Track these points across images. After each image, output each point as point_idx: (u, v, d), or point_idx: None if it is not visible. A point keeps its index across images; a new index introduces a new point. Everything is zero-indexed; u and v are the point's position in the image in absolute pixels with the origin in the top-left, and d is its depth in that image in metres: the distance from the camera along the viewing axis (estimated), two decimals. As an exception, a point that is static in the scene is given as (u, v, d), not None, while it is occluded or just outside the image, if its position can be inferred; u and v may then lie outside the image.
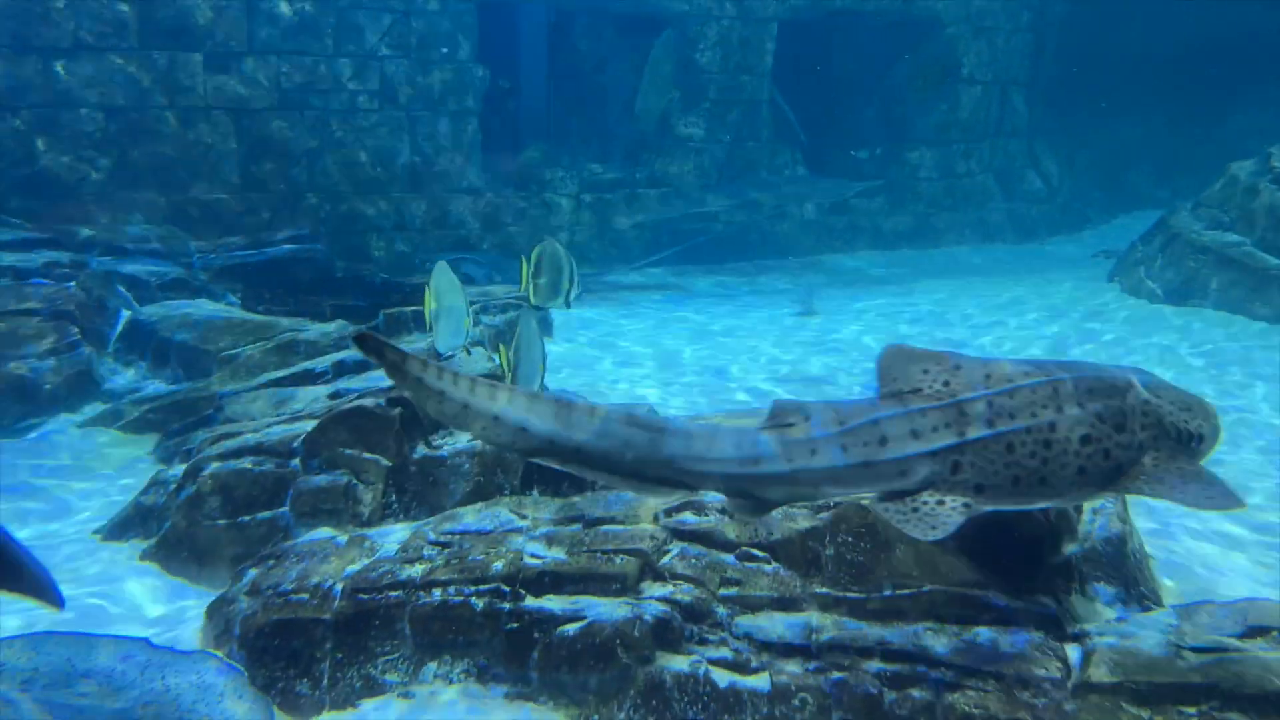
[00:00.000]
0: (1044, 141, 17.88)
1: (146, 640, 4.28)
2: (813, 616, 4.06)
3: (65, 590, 5.12)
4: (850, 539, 4.17)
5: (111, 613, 4.90)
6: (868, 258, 15.25)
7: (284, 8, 11.63)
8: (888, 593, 4.05)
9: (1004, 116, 16.88)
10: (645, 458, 3.30)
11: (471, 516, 4.90)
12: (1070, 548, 4.09)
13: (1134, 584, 4.13)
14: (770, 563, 4.28)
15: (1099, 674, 3.53)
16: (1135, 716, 3.39)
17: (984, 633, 3.82)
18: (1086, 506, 4.36)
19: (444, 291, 6.53)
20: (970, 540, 4.03)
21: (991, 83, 16.44)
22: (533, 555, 4.40)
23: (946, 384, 3.44)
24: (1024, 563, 3.99)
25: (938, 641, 3.80)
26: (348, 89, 12.09)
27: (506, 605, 4.19)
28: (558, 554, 4.40)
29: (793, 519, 4.34)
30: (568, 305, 7.44)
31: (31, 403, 7.78)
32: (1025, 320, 11.10)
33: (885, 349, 3.68)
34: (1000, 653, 3.68)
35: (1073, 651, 3.70)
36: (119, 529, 5.75)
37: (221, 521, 5.28)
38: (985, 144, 16.67)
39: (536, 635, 4.09)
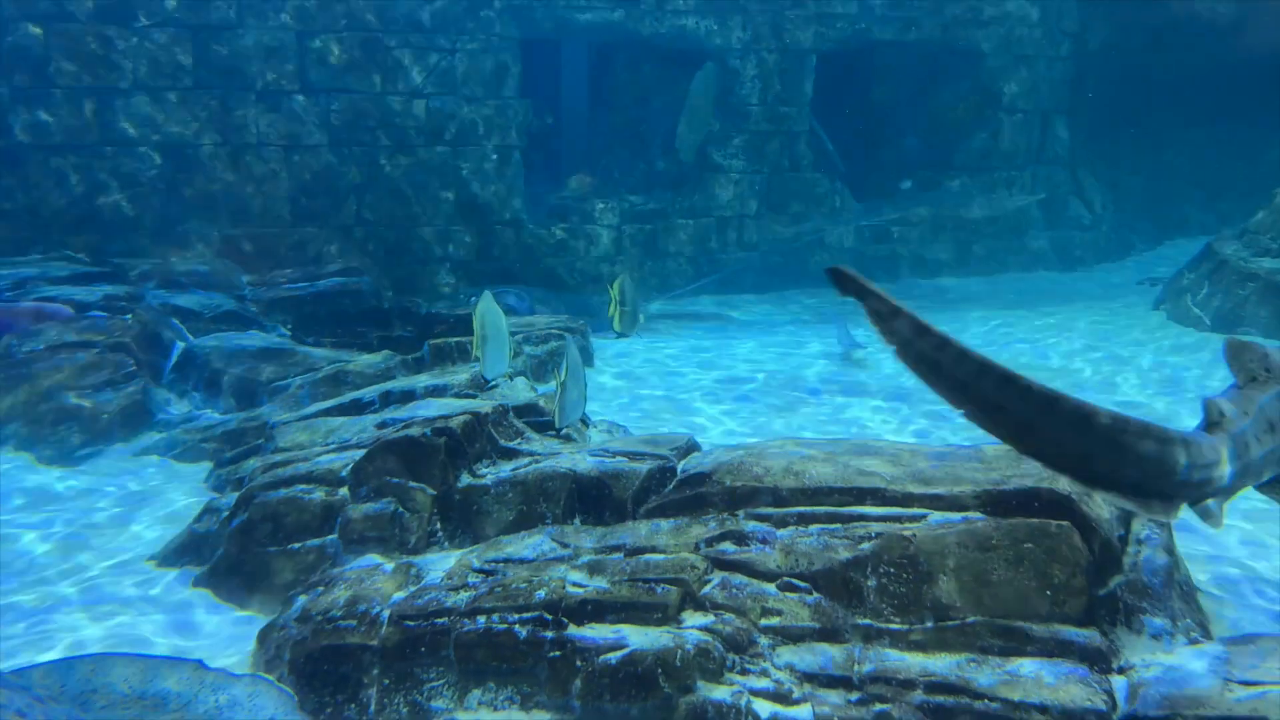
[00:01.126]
0: (1087, 169, 17.75)
1: (200, 663, 4.39)
2: (855, 647, 4.06)
3: (122, 615, 5.29)
4: (892, 570, 4.18)
5: (165, 637, 5.03)
6: (909, 286, 15.20)
7: (334, 49, 11.95)
8: (930, 624, 4.04)
9: (1046, 144, 16.80)
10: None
11: (515, 545, 4.97)
12: (1116, 579, 4.06)
13: (1181, 616, 4.09)
14: (812, 593, 4.29)
15: (1145, 707, 3.50)
16: (1183, 751, 3.36)
17: (1028, 664, 3.80)
18: (1132, 537, 4.33)
19: (489, 320, 6.71)
20: (1014, 572, 4.02)
21: (1032, 111, 16.38)
22: (575, 584, 4.45)
23: (1267, 370, 3.74)
24: (1069, 595, 3.97)
25: (981, 673, 3.78)
26: (395, 125, 12.38)
27: (549, 633, 4.24)
28: (599, 583, 4.44)
29: (833, 549, 4.36)
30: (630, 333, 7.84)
31: (89, 432, 8.00)
32: (1072, 348, 11.00)
33: (1228, 342, 4.05)
34: (1045, 685, 3.66)
35: (1119, 684, 3.68)
36: (173, 555, 5.89)
37: (272, 549, 5.40)
38: (1027, 172, 16.59)
39: (579, 664, 4.13)
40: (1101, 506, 4.30)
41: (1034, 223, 16.71)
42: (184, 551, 5.90)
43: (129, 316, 9.03)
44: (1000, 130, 16.10)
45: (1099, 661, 3.79)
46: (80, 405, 8.05)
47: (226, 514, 5.75)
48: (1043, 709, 3.57)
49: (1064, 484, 4.21)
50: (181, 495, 6.99)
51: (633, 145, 15.28)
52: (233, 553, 5.48)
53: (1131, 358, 10.48)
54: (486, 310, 6.59)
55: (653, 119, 15.00)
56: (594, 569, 4.56)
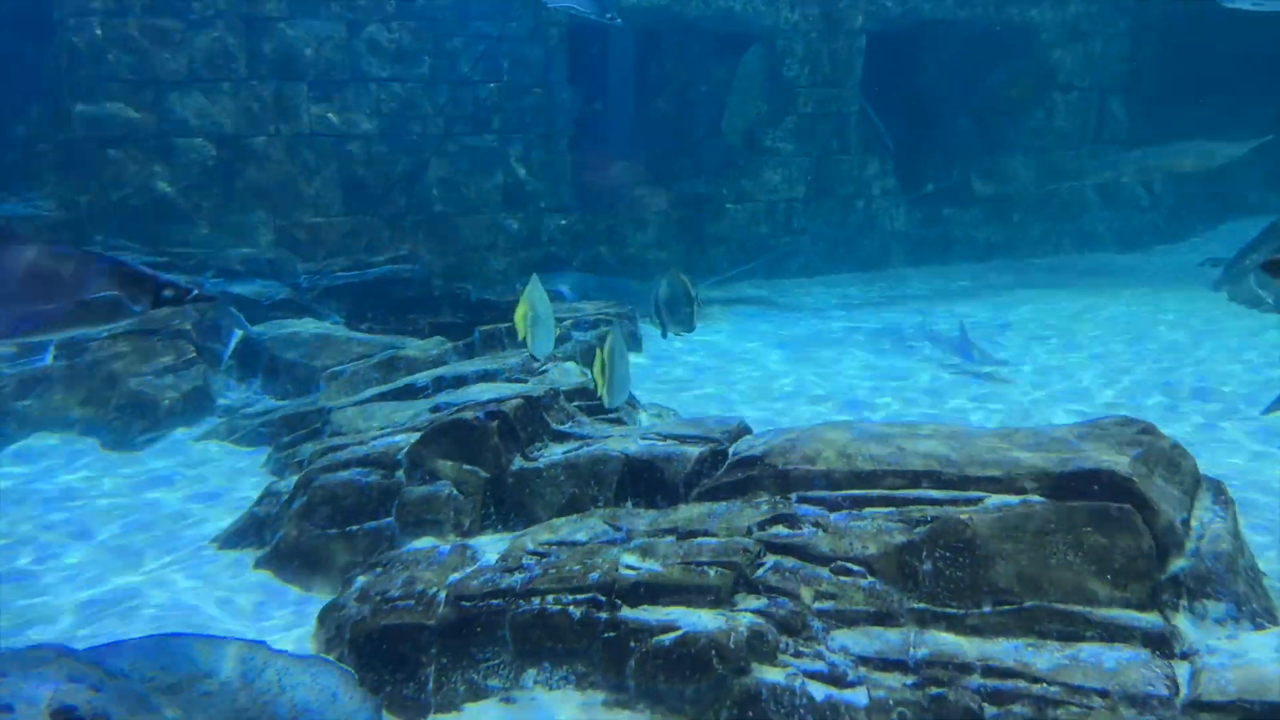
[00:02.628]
0: (1145, 148, 17.34)
1: (263, 643, 4.49)
2: (910, 631, 4.04)
3: (185, 596, 5.43)
4: (948, 554, 4.15)
5: (229, 617, 5.15)
6: (965, 270, 14.98)
7: (384, 39, 12.06)
8: (987, 609, 4.01)
9: (1102, 124, 16.44)
10: None
11: (568, 528, 5.00)
12: (1178, 564, 3.99)
13: (1245, 601, 4.00)
14: (866, 577, 4.27)
15: (1210, 692, 3.44)
16: (1249, 737, 3.29)
17: (1088, 649, 3.75)
18: (1195, 521, 4.25)
19: (536, 303, 6.77)
20: (1074, 555, 3.97)
21: (1089, 89, 16.04)
22: (628, 566, 4.47)
23: None
24: (1130, 579, 3.91)
25: (1039, 658, 3.75)
26: (444, 114, 12.47)
27: (603, 615, 4.27)
28: (652, 565, 4.46)
29: (888, 533, 4.33)
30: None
31: (151, 417, 8.20)
32: (1132, 331, 10.79)
33: None
34: (1105, 670, 3.62)
35: (1181, 670, 3.61)
36: (234, 538, 6.03)
37: (331, 531, 5.50)
38: (1084, 152, 16.26)
39: (633, 644, 4.16)
40: (1164, 489, 4.23)
41: (1090, 204, 16.39)
42: (245, 534, 6.03)
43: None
44: (1055, 110, 15.80)
45: (1161, 646, 3.73)
46: (143, 391, 8.25)
47: (286, 497, 5.86)
48: (1103, 693, 3.53)
49: (1125, 466, 4.15)
50: (242, 479, 7.14)
51: (680, 130, 15.23)
52: (292, 535, 5.59)
53: (1197, 339, 10.24)
54: (534, 293, 6.69)
55: (700, 103, 14.94)
56: (646, 551, 4.58)
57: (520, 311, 6.54)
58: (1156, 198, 17.07)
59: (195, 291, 3.73)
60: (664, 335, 7.49)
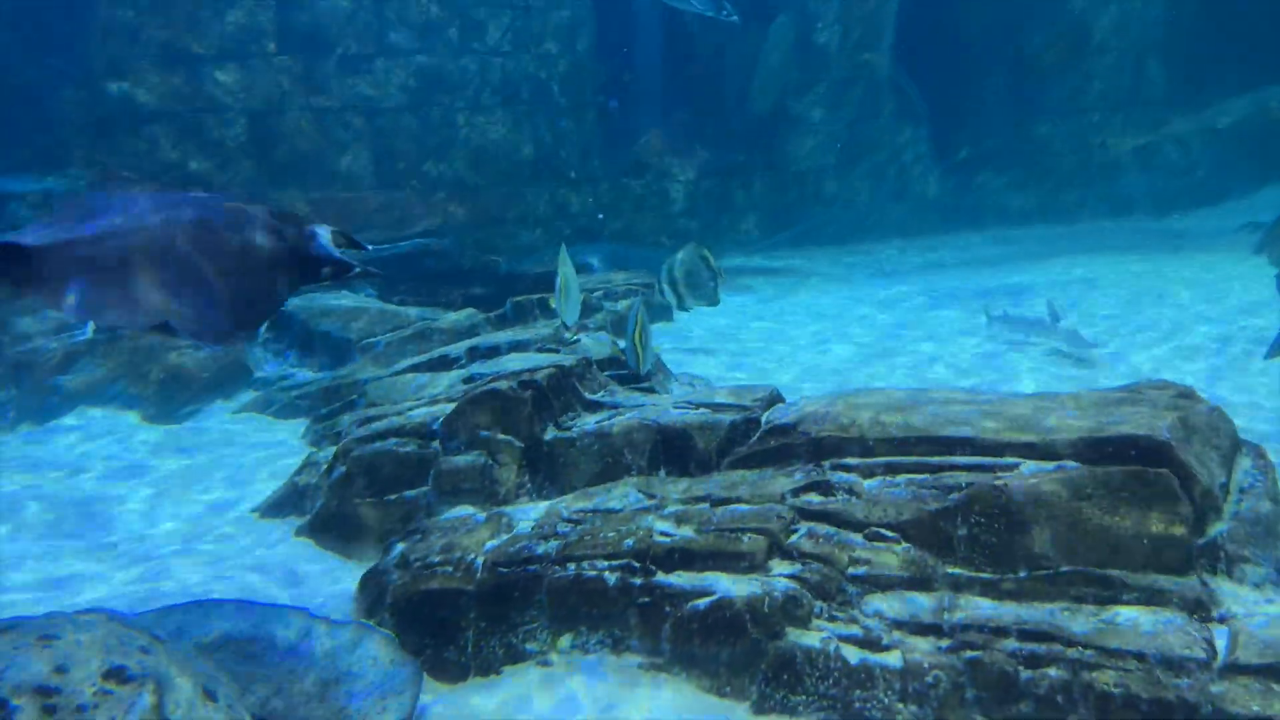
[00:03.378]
0: (1183, 110, 17.00)
1: (306, 609, 4.58)
2: (945, 596, 4.05)
3: (228, 564, 5.54)
4: (984, 520, 4.14)
5: (271, 584, 5.26)
6: (999, 237, 14.82)
7: (412, 11, 12.07)
8: (1023, 574, 4.01)
9: (1139, 85, 16.13)
10: None
11: (602, 496, 5.05)
12: (1216, 528, 3.97)
13: (1286, 566, 3.98)
14: (900, 543, 4.28)
15: (1248, 655, 3.43)
16: (1288, 699, 3.29)
17: (1124, 613, 3.75)
18: (1234, 486, 4.22)
19: (564, 272, 6.82)
20: (1110, 520, 3.96)
21: (1126, 50, 15.73)
22: (662, 533, 4.51)
23: None
24: (1167, 543, 3.89)
25: (1075, 621, 3.75)
26: (472, 86, 12.47)
27: (638, 580, 4.31)
28: (686, 532, 4.49)
29: (922, 499, 4.34)
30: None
31: (190, 390, 8.35)
32: (1166, 296, 10.64)
33: None
34: (1142, 633, 3.61)
35: (1219, 633, 3.60)
36: (275, 507, 6.14)
37: (369, 499, 5.59)
38: (1120, 115, 15.98)
39: (668, 609, 4.20)
40: (1202, 453, 4.19)
41: (1126, 168, 16.12)
42: (285, 503, 6.14)
43: (224, 278, 9.33)
44: (1091, 72, 15.51)
45: (1198, 610, 3.72)
46: (182, 364, 8.39)
47: (325, 467, 5.96)
48: (1139, 656, 3.53)
49: (1162, 430, 4.12)
50: (281, 450, 7.26)
51: (709, 99, 15.14)
52: (332, 504, 5.69)
53: (1221, 302, 10.08)
54: (565, 263, 6.76)
55: (729, 71, 14.84)
56: (680, 519, 4.61)
57: (560, 281, 6.63)
58: (1193, 161, 16.75)
59: (358, 268, 3.61)
60: (680, 308, 7.40)
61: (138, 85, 11.28)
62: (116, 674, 3.25)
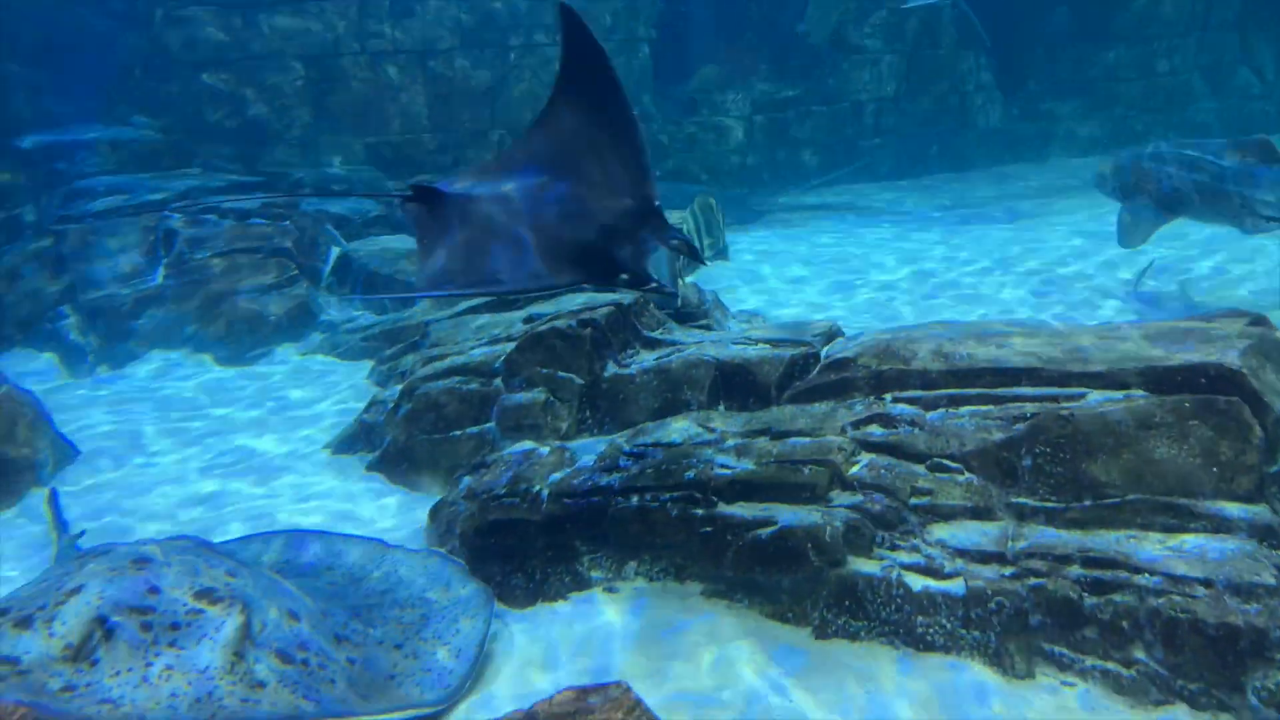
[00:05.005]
0: (1260, 33, 16.28)
1: (380, 539, 4.75)
2: (1009, 525, 4.06)
3: (303, 497, 5.74)
4: (1048, 449, 4.13)
5: (345, 516, 5.44)
6: (1065, 167, 14.43)
7: (464, -53, 11.98)
8: (1088, 502, 4.00)
9: (1212, 8, 15.46)
10: None
11: (662, 430, 5.11)
12: (1289, 456, 3.91)
13: (1361, 494, 3.91)
14: (963, 473, 4.29)
15: (1320, 582, 3.41)
16: (1360, 624, 3.26)
17: (1192, 540, 3.73)
18: (1308, 414, 4.14)
19: None
20: (1178, 449, 3.92)
21: (1200, -29, 15.09)
22: (722, 466, 4.57)
23: None
24: (1237, 471, 3.85)
25: (1142, 548, 3.74)
26: (524, 25, 12.38)
27: (700, 511, 4.39)
28: (746, 464, 4.54)
29: (986, 430, 4.33)
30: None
31: (259, 333, 8.57)
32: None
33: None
34: (1209, 560, 3.60)
35: (1290, 561, 3.57)
36: (345, 444, 6.32)
37: (435, 436, 5.73)
38: (1191, 39, 15.36)
39: (729, 538, 4.27)
40: (1275, 382, 4.12)
41: (1197, 94, 15.54)
42: (355, 440, 6.32)
43: (287, 223, 9.51)
44: (1162, -6, 14.92)
45: (1268, 538, 3.68)
46: (251, 308, 8.61)
47: (392, 405, 6.10)
48: (1206, 583, 3.52)
49: (1234, 358, 4.04)
50: (348, 390, 7.45)
51: (763, 31, 14.86)
52: (400, 440, 5.84)
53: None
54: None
55: (784, 2, 14.53)
56: (740, 451, 4.66)
57: None
58: (1269, 85, 16.09)
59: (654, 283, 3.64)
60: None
61: (196, 32, 11.40)
62: (206, 594, 3.43)
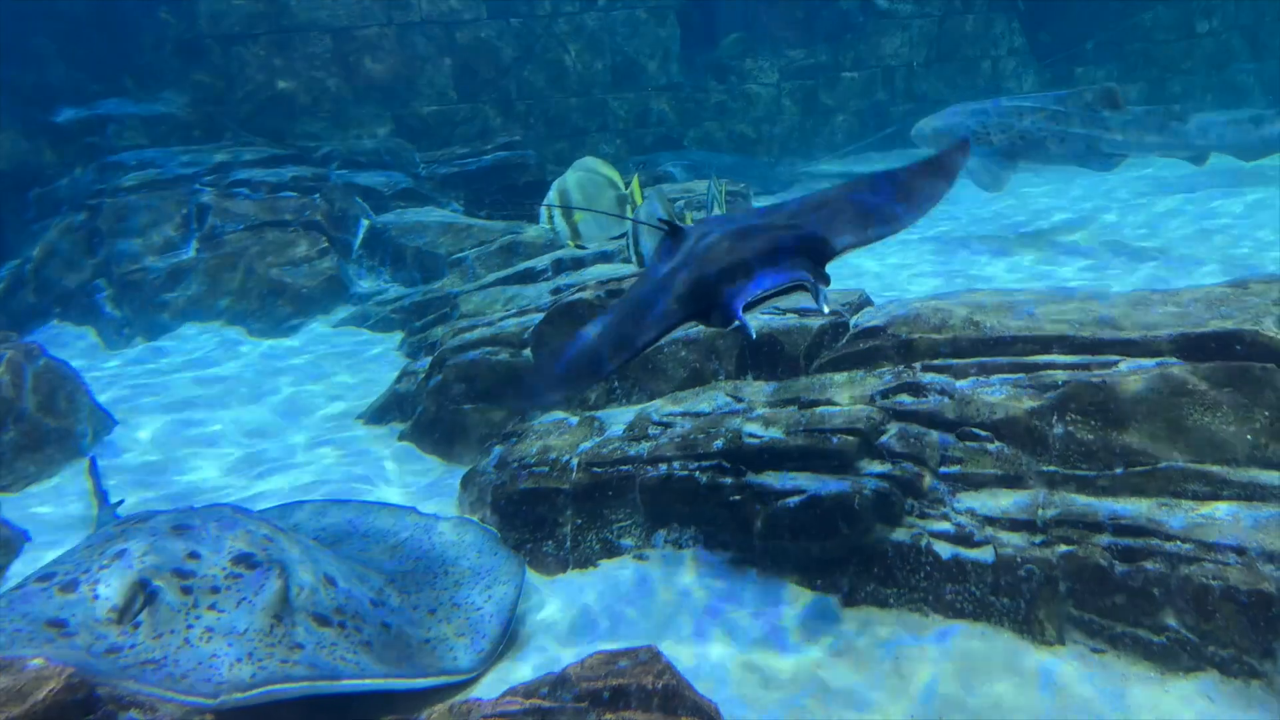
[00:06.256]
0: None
1: (413, 508, 4.82)
2: (1039, 493, 4.05)
3: (338, 465, 5.82)
4: (1079, 417, 4.10)
5: (380, 484, 5.52)
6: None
7: (489, -83, 11.93)
8: (1120, 470, 3.97)
9: (1256, -35, 15.09)
10: None
11: (690, 400, 5.13)
12: (1325, 423, 3.86)
13: (1400, 461, 3.86)
14: (993, 442, 4.27)
15: (1355, 549, 3.38)
16: (1397, 591, 3.23)
17: (1225, 508, 3.70)
18: (1346, 380, 4.08)
19: (573, 190, 5.91)
20: (1212, 416, 3.88)
21: (1241, -74, 14.71)
22: (751, 435, 4.58)
23: None
24: (1273, 439, 3.81)
25: (1173, 516, 3.72)
26: (551, -7, 12.34)
27: (728, 480, 4.41)
28: (775, 433, 4.55)
29: (1017, 398, 4.31)
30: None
31: (292, 305, 8.67)
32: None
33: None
34: (1243, 527, 3.57)
35: (1326, 528, 3.54)
36: (378, 414, 6.40)
37: (466, 406, 5.79)
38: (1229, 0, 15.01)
39: (758, 507, 4.29)
40: (1313, 348, 4.06)
41: (1237, 53, 15.19)
42: (387, 410, 6.39)
43: (317, 196, 9.58)
44: (1200, -49, 14.57)
45: (1304, 506, 3.65)
46: (283, 281, 8.70)
47: (423, 376, 6.17)
48: (1239, 550, 3.49)
49: (1270, 325, 3.99)
50: (380, 361, 7.53)
51: (792, -3, 14.69)
52: (431, 410, 5.90)
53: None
54: (577, 178, 5.85)
55: (812, -34, 14.35)
56: (769, 421, 4.67)
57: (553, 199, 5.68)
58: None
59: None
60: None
61: (225, 5, 11.45)
62: (245, 559, 3.50)
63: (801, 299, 3.26)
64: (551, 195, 5.50)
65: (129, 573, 3.36)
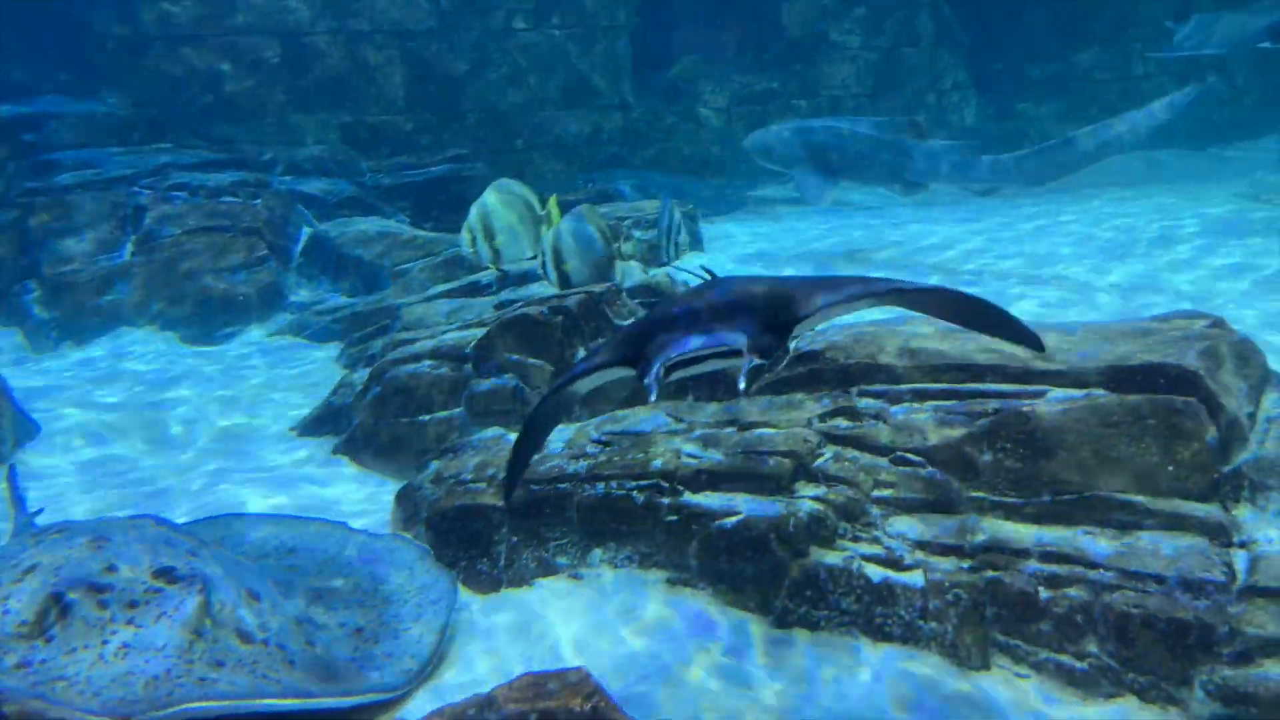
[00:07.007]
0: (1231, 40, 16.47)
1: (344, 523, 4.74)
2: (969, 518, 4.11)
3: (268, 479, 5.71)
4: (1009, 445, 4.18)
5: (310, 499, 5.42)
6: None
7: (444, -72, 11.90)
8: (1047, 498, 4.05)
9: (1190, 12, 15.62)
10: None
11: (630, 418, 5.13)
12: (1241, 456, 3.98)
13: (1311, 495, 3.99)
14: (925, 467, 4.33)
15: (1266, 579, 3.47)
16: (1305, 621, 3.33)
17: (1146, 537, 3.79)
18: (1261, 415, 4.22)
19: (498, 211, 5.89)
20: (1136, 447, 3.98)
21: (1175, -25, 15.24)
22: (689, 455, 4.60)
23: None
24: (1192, 471, 3.92)
25: (1097, 544, 3.80)
26: (504, 8, 12.32)
27: (666, 499, 4.41)
28: (714, 455, 4.58)
29: (949, 425, 4.37)
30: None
31: (227, 313, 8.51)
32: (1209, 225, 10.48)
33: None
34: (1163, 556, 3.66)
35: (1239, 558, 3.64)
36: (312, 426, 6.29)
37: (404, 420, 5.72)
38: (1166, 41, 15.52)
39: (695, 527, 4.30)
40: (1231, 383, 4.19)
41: (1165, 96, 15.69)
42: (322, 422, 6.29)
43: (259, 202, 9.43)
44: (1139, -3, 15.06)
45: (1220, 536, 3.75)
46: (218, 287, 8.53)
47: (360, 388, 6.08)
48: (1159, 579, 3.58)
49: (1192, 359, 4.11)
50: (316, 372, 7.41)
51: (745, 22, 14.88)
52: (368, 423, 5.82)
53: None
54: (497, 200, 5.75)
55: (765, -5, 14.56)
56: (708, 442, 4.69)
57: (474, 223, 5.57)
58: (1239, 91, 16.30)
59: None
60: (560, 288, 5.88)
61: (172, 6, 11.25)
62: (166, 573, 3.41)
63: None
64: (472, 216, 5.51)
65: (43, 586, 3.26)
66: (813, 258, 10.29)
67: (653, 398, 2.88)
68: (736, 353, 2.87)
